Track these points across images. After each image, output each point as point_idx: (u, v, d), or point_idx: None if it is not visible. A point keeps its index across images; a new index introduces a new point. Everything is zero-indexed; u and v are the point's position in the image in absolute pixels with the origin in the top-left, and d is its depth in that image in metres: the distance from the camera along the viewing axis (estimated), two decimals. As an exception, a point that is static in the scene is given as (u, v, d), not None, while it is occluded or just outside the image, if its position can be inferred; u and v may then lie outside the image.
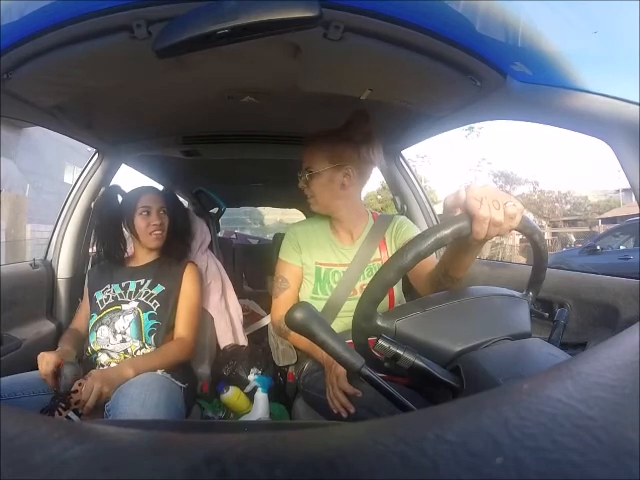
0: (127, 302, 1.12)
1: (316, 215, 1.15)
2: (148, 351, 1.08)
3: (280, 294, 1.10)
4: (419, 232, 1.10)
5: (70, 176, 10.39)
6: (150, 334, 1.09)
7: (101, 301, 1.14)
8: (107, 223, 1.20)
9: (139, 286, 1.15)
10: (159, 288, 1.15)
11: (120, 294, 1.14)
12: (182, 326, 1.14)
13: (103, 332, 1.08)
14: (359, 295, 1.04)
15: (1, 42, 0.67)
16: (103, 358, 1.07)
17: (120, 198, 1.25)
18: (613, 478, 0.14)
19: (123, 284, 1.16)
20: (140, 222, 1.17)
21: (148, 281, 1.16)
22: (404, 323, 0.55)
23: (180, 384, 1.03)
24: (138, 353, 1.07)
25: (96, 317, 1.12)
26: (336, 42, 0.71)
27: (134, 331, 1.08)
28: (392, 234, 1.11)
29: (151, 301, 1.13)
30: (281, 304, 1.09)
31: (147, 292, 1.14)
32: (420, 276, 0.90)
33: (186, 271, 1.21)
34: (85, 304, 1.22)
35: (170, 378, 1.01)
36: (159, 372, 1.01)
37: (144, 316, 1.10)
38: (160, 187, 1.80)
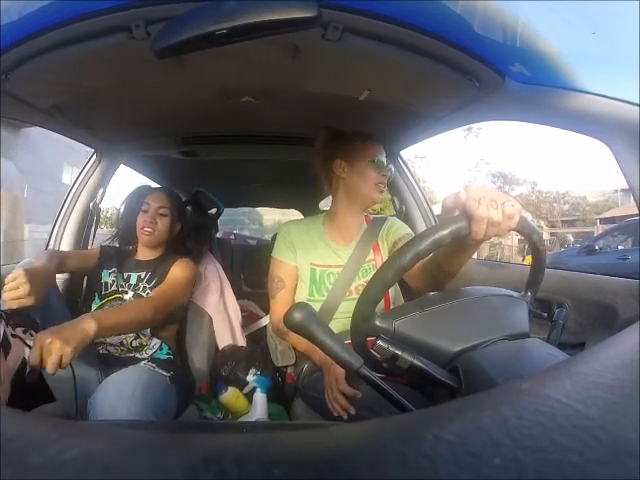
0: (126, 292, 1.15)
1: (308, 216, 1.18)
2: (143, 340, 1.11)
3: (277, 294, 1.10)
4: (409, 230, 1.13)
5: (68, 176, 10.37)
6: None
7: (106, 283, 1.16)
8: (129, 214, 1.24)
9: (140, 279, 1.18)
10: (154, 283, 1.17)
11: (121, 284, 1.17)
12: (156, 292, 1.11)
13: None
14: (355, 296, 1.04)
15: (0, 42, 0.67)
16: (102, 351, 1.09)
17: None
18: (612, 478, 0.14)
19: (125, 275, 1.19)
20: (139, 217, 1.20)
21: (148, 275, 1.18)
22: (403, 323, 0.55)
23: (164, 373, 1.03)
24: (134, 343, 1.10)
25: (98, 302, 1.14)
26: (335, 42, 0.71)
27: None
28: (384, 236, 1.12)
29: (145, 293, 1.15)
30: (279, 304, 1.09)
31: (144, 286, 1.17)
32: (413, 270, 0.90)
33: (175, 264, 1.19)
34: (87, 252, 1.29)
35: (155, 369, 1.02)
36: (142, 364, 1.04)
37: None
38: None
